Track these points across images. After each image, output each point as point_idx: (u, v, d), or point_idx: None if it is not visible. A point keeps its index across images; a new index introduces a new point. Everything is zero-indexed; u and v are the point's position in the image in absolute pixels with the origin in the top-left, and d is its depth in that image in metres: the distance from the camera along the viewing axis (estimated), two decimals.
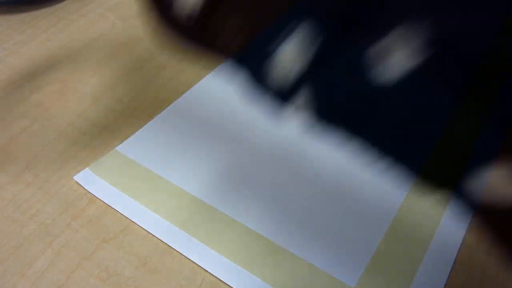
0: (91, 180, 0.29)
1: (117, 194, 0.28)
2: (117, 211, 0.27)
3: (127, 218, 0.27)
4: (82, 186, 0.29)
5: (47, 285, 0.24)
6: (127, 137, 0.32)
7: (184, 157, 0.31)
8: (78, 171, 0.30)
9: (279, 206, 0.28)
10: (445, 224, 0.27)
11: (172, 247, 0.26)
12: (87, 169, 0.30)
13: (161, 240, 0.26)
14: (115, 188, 0.28)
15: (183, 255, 0.25)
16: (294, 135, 0.32)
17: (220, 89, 0.36)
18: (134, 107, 0.35)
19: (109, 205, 0.28)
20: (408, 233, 0.26)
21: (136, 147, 0.31)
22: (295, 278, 0.24)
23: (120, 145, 0.31)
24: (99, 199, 0.28)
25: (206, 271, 0.25)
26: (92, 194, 0.28)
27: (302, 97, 0.18)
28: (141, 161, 0.30)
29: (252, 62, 0.19)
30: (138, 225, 0.27)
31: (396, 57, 0.15)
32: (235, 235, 0.26)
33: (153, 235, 0.26)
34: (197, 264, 0.25)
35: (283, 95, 0.18)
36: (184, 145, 0.31)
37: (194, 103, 0.34)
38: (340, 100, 0.17)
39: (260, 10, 0.18)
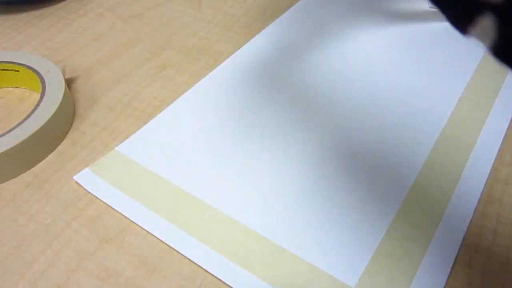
0: (91, 180, 0.29)
1: (117, 194, 0.28)
2: (117, 211, 0.27)
3: (127, 218, 0.27)
4: (82, 186, 0.29)
5: (47, 285, 0.24)
6: (127, 137, 0.32)
7: (184, 157, 0.31)
8: (78, 171, 0.30)
9: (279, 206, 0.28)
10: (445, 224, 0.27)
11: (172, 247, 0.26)
12: (87, 169, 0.30)
13: (161, 240, 0.26)
14: (115, 188, 0.29)
15: (183, 255, 0.25)
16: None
17: (220, 89, 0.36)
18: (134, 107, 0.35)
19: (109, 205, 0.28)
20: (408, 233, 0.26)
21: (136, 147, 0.31)
22: (295, 278, 0.24)
23: (120, 145, 0.31)
24: (99, 199, 0.28)
25: (206, 271, 0.25)
26: (92, 194, 0.28)
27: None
28: (141, 161, 0.30)
29: None
30: (138, 225, 0.27)
31: None
32: (235, 235, 0.26)
33: (153, 235, 0.26)
34: (197, 264, 0.25)
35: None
36: (184, 145, 0.31)
37: (193, 103, 0.35)
38: None
39: None
